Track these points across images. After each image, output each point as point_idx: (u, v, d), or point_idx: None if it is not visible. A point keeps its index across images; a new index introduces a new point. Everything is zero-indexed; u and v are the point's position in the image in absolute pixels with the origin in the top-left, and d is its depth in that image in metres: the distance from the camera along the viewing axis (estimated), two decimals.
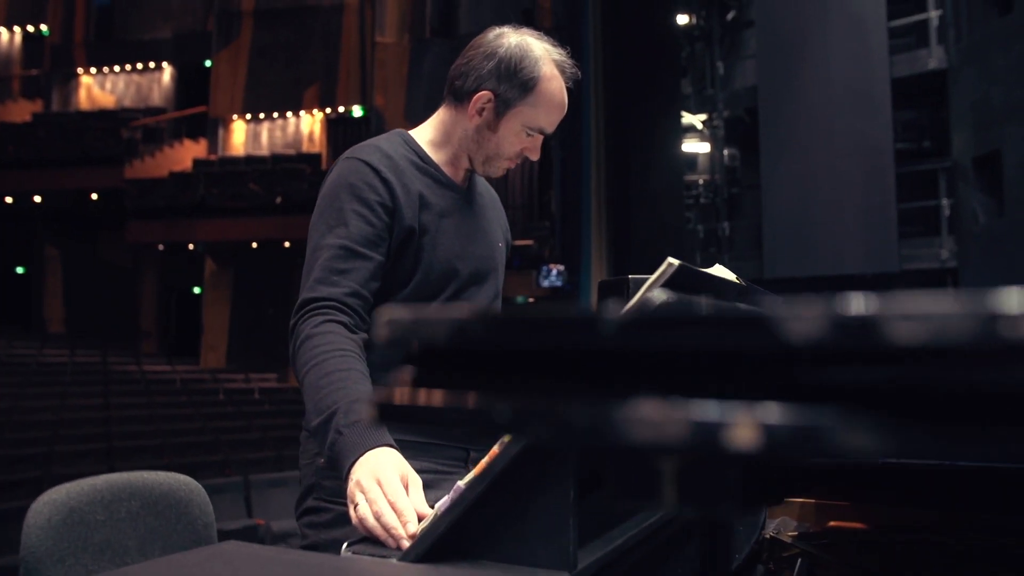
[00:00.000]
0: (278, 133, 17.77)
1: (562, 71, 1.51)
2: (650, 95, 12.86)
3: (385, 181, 1.44)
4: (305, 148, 17.53)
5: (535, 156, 1.56)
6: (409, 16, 16.60)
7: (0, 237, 18.19)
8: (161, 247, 17.33)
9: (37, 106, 18.54)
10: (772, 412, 0.26)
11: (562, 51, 1.53)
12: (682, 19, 15.02)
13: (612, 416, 0.29)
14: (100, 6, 19.08)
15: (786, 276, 12.62)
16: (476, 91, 1.49)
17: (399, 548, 1.03)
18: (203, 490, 1.73)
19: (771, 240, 13.57)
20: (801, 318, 0.26)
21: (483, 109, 1.49)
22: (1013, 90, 10.30)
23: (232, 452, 10.07)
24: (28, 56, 19.08)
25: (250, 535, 6.58)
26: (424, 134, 1.57)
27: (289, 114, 17.57)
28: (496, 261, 1.61)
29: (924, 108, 12.87)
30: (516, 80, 1.47)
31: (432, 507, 1.11)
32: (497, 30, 1.52)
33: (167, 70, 18.93)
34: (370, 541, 1.06)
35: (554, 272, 13.16)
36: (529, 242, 13.37)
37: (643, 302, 0.80)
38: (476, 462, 1.50)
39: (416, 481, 1.12)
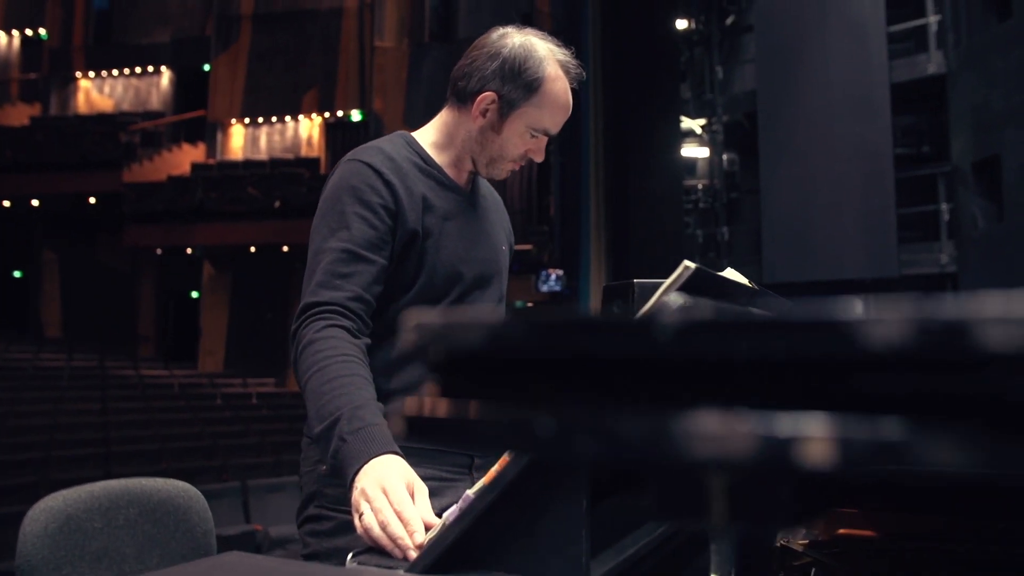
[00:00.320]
0: (277, 137, 17.75)
1: (566, 71, 1.49)
2: (649, 99, 12.86)
3: (388, 183, 1.42)
4: (304, 152, 17.52)
5: (539, 158, 1.54)
6: (408, 20, 16.60)
7: None
8: (159, 251, 17.30)
9: (35, 110, 18.52)
10: (850, 425, 0.24)
11: (566, 51, 1.51)
12: (681, 24, 15.03)
13: (670, 430, 0.26)
14: (99, 10, 19.07)
15: (785, 281, 12.60)
16: (480, 92, 1.47)
17: (406, 559, 1.00)
18: (202, 497, 1.71)
19: (770, 245, 13.56)
20: (883, 322, 0.24)
21: (487, 110, 1.47)
22: (1012, 95, 10.30)
23: (230, 457, 10.03)
24: (26, 60, 19.06)
25: (248, 541, 6.55)
26: (427, 136, 1.55)
27: (288, 118, 17.56)
28: (500, 264, 1.59)
29: (923, 113, 12.87)
30: (520, 81, 1.45)
31: (438, 516, 1.08)
32: (501, 30, 1.50)
33: (166, 74, 18.91)
34: (376, 551, 1.03)
35: (553, 277, 13.14)
36: (528, 247, 13.35)
37: (660, 306, 0.77)
38: (480, 469, 1.48)
39: (422, 489, 1.10)
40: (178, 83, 18.93)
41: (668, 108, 13.28)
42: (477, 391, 0.28)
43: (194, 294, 17.58)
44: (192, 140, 18.00)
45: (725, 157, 15.41)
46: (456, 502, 1.38)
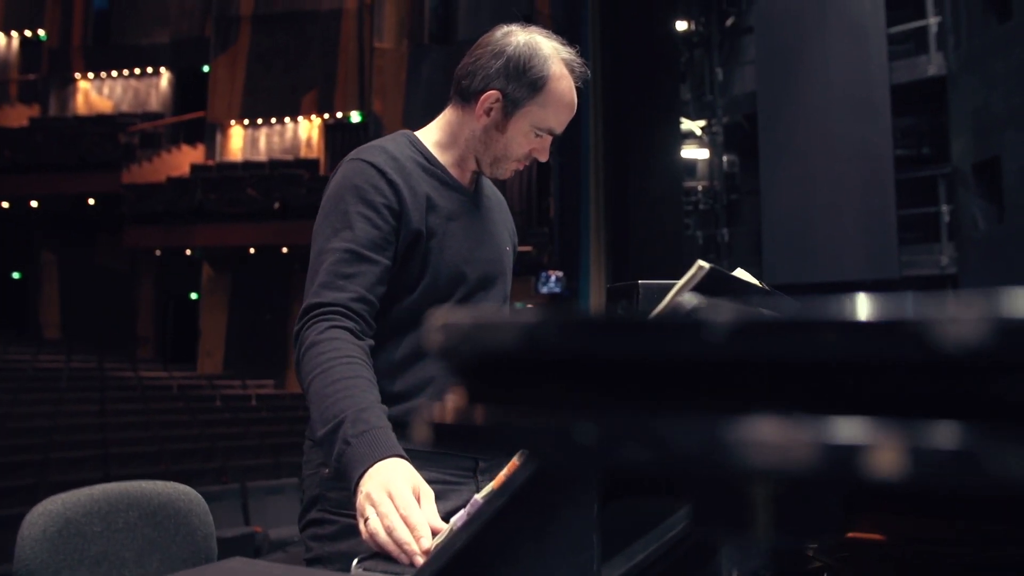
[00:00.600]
0: (276, 139, 17.73)
1: (571, 70, 1.47)
2: (649, 101, 12.86)
3: (391, 183, 1.40)
4: (303, 154, 17.50)
5: (544, 157, 1.52)
6: (407, 22, 16.59)
7: None
8: (158, 252, 17.27)
9: (34, 111, 18.49)
10: (922, 433, 0.22)
11: (571, 50, 1.49)
12: (681, 25, 15.03)
13: (725, 438, 0.24)
14: (98, 11, 19.04)
15: (785, 282, 12.59)
16: (484, 91, 1.45)
17: (412, 565, 0.98)
18: (203, 500, 1.69)
19: (770, 246, 13.55)
20: (957, 321, 0.22)
21: (491, 109, 1.45)
22: (1013, 96, 10.29)
23: (229, 459, 10.01)
24: (26, 61, 19.03)
25: (248, 543, 6.52)
26: (430, 135, 1.54)
27: (287, 119, 17.54)
28: (504, 265, 1.57)
29: (924, 114, 12.87)
30: (525, 79, 1.43)
31: (443, 520, 1.06)
32: (505, 28, 1.49)
33: (165, 75, 18.89)
34: (382, 557, 1.01)
35: (553, 278, 13.12)
36: (528, 248, 13.33)
37: (674, 307, 0.75)
38: (485, 472, 1.46)
39: (428, 494, 1.08)
40: (177, 84, 18.91)
41: (668, 109, 13.28)
42: (509, 395, 0.26)
43: (193, 295, 17.56)
44: (191, 141, 17.97)
45: (725, 158, 15.41)
46: (461, 505, 1.37)
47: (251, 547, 6.56)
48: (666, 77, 13.37)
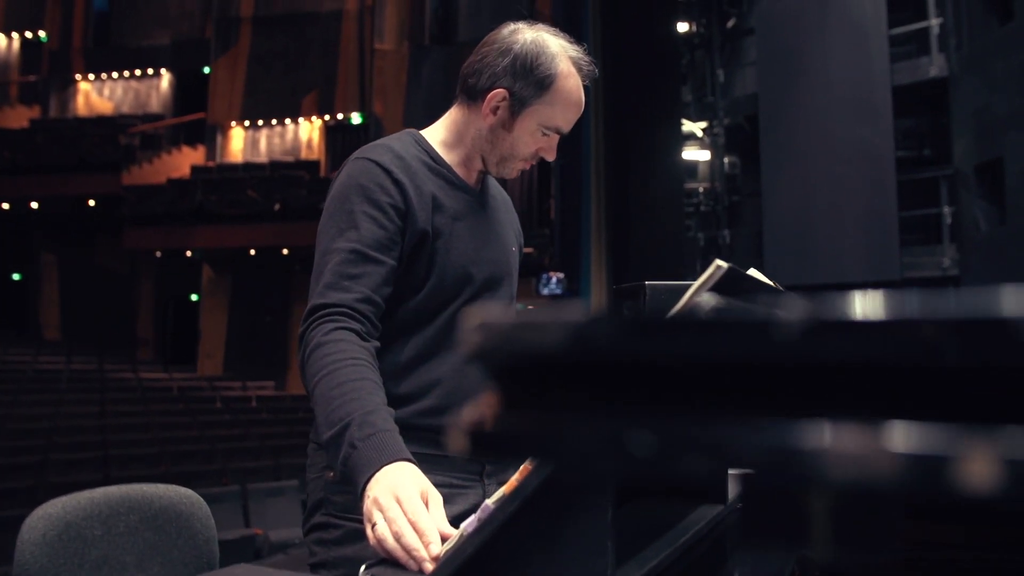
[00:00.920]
0: (276, 140, 17.72)
1: (579, 68, 1.45)
2: (650, 102, 12.82)
3: (397, 182, 1.38)
4: (304, 155, 17.48)
5: (551, 156, 1.51)
6: (408, 23, 16.58)
7: None
8: (159, 254, 17.26)
9: (35, 112, 18.47)
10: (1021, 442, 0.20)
11: (578, 48, 1.47)
12: (682, 27, 15.01)
13: (797, 447, 0.22)
14: (98, 12, 19.03)
15: (787, 284, 12.55)
16: (490, 89, 1.43)
17: (421, 571, 0.96)
18: (204, 503, 1.67)
19: (772, 248, 13.54)
20: None
21: (497, 108, 1.44)
22: (1014, 98, 10.28)
23: (229, 461, 9.98)
24: (26, 62, 19.01)
25: (248, 545, 6.50)
26: (436, 134, 1.52)
27: (288, 121, 17.52)
28: (510, 266, 1.56)
29: (925, 116, 12.85)
30: (532, 77, 1.42)
31: (450, 524, 1.04)
32: (512, 26, 1.47)
33: (165, 77, 18.88)
34: (390, 563, 0.99)
35: (554, 280, 13.10)
36: (529, 250, 13.32)
37: (692, 308, 0.73)
38: (492, 476, 1.44)
39: (436, 498, 1.06)
40: (178, 85, 18.90)
41: (669, 111, 13.25)
42: (554, 401, 0.24)
43: (193, 297, 17.54)
44: (192, 143, 17.96)
45: (726, 160, 15.40)
46: (467, 509, 1.35)
47: (251, 549, 6.53)
48: (667, 78, 13.34)
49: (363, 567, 1.00)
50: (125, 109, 18.72)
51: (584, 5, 12.81)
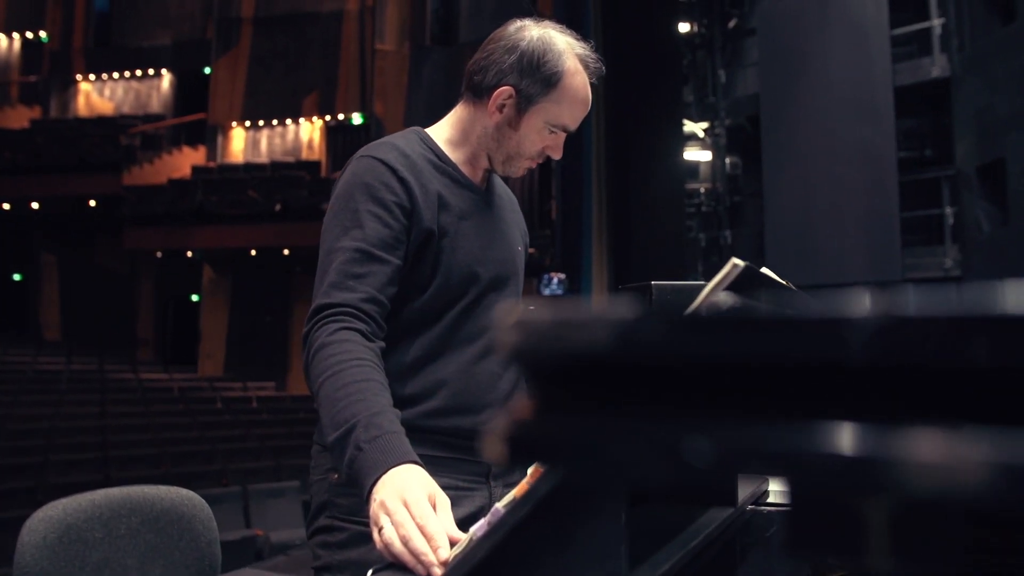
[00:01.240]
0: (277, 140, 17.71)
1: (586, 66, 1.44)
2: (651, 103, 12.80)
3: (402, 181, 1.36)
4: (304, 156, 17.47)
5: (557, 155, 1.49)
6: (409, 24, 16.56)
7: None
8: (159, 254, 17.25)
9: (35, 112, 18.46)
10: None
11: (585, 45, 1.46)
12: (684, 27, 14.97)
13: (877, 456, 0.20)
14: (99, 13, 19.02)
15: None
16: (496, 86, 1.41)
17: None
18: (206, 506, 1.65)
19: (773, 248, 13.51)
20: None
21: (504, 105, 1.42)
22: (1016, 98, 10.27)
23: (230, 461, 9.97)
24: (27, 62, 19.00)
25: (249, 546, 6.48)
26: (441, 132, 1.50)
27: (288, 121, 17.51)
28: (516, 265, 1.54)
29: (927, 116, 12.84)
30: (539, 75, 1.40)
31: (457, 527, 1.02)
32: (518, 23, 1.45)
33: (166, 77, 18.87)
34: (397, 568, 0.97)
35: (555, 281, 13.08)
36: (530, 250, 13.30)
37: (709, 306, 0.72)
38: (498, 478, 1.42)
39: (444, 502, 1.04)
40: (178, 86, 18.89)
41: (670, 111, 13.23)
42: (599, 405, 0.22)
43: (194, 297, 17.53)
44: (192, 143, 17.95)
45: (728, 161, 15.38)
46: (473, 511, 1.33)
47: (252, 550, 6.52)
48: (668, 79, 13.31)
49: (370, 572, 0.98)
50: (126, 109, 18.72)
51: (585, 5, 12.79)
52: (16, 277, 18.91)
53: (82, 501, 1.49)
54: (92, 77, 18.83)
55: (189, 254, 16.89)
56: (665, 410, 0.23)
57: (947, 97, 11.94)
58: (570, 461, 0.22)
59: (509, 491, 1.17)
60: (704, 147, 15.84)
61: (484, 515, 1.20)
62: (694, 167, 15.75)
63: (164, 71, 18.76)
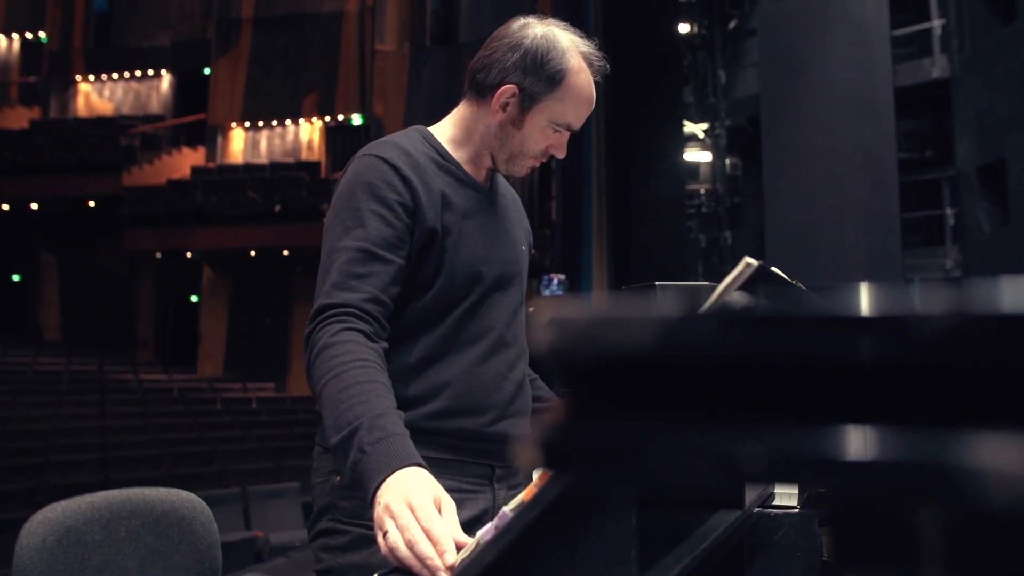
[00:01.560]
0: (277, 141, 17.69)
1: (590, 64, 1.43)
2: (651, 104, 12.80)
3: (405, 179, 1.35)
4: (304, 156, 17.45)
5: (561, 154, 1.48)
6: (409, 24, 16.56)
7: None
8: (159, 255, 17.23)
9: (35, 113, 18.44)
10: None
11: (589, 43, 1.44)
12: (684, 28, 14.97)
13: (948, 464, 0.18)
14: (99, 13, 19.00)
15: None
16: (500, 85, 1.40)
17: None
18: (207, 508, 1.64)
19: (773, 249, 13.48)
20: None
21: (507, 104, 1.40)
22: (1017, 99, 10.25)
23: (229, 462, 9.95)
24: (26, 63, 18.99)
25: (249, 547, 6.47)
26: (444, 131, 1.48)
27: (288, 122, 17.50)
28: (520, 265, 1.52)
29: (927, 117, 12.83)
30: (542, 73, 1.38)
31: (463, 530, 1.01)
32: (522, 20, 1.44)
33: (166, 77, 18.86)
34: (402, 572, 0.96)
35: (555, 281, 13.07)
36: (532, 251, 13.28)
37: (722, 306, 0.70)
38: (502, 480, 1.41)
39: (450, 505, 1.02)
40: (178, 86, 18.87)
41: (670, 112, 13.23)
42: (643, 409, 0.21)
43: (194, 298, 17.51)
44: (192, 144, 17.93)
45: (728, 161, 15.37)
46: (477, 514, 1.32)
47: (252, 552, 6.50)
48: (669, 80, 13.32)
49: None
50: (125, 110, 18.70)
51: (585, 6, 12.78)
52: (16, 277, 18.89)
53: (81, 503, 1.47)
54: (92, 77, 18.81)
55: (189, 255, 16.87)
56: (716, 415, 0.21)
57: (947, 98, 11.93)
58: (611, 469, 0.21)
59: (513, 494, 1.15)
60: (704, 148, 15.83)
61: (488, 518, 1.18)
62: (694, 168, 15.74)
63: (164, 71, 18.74)
